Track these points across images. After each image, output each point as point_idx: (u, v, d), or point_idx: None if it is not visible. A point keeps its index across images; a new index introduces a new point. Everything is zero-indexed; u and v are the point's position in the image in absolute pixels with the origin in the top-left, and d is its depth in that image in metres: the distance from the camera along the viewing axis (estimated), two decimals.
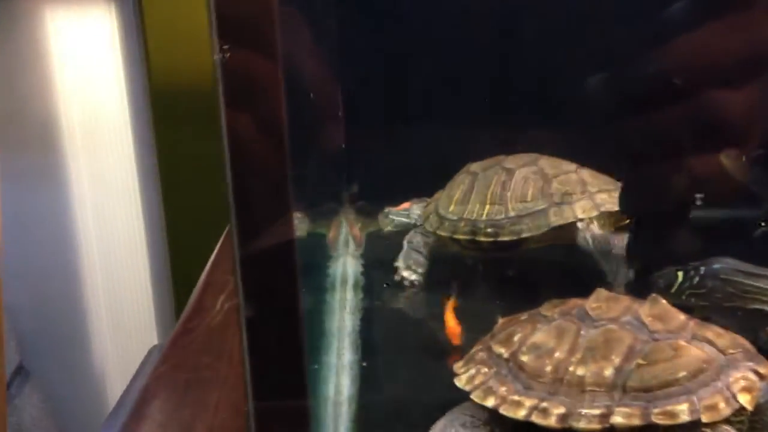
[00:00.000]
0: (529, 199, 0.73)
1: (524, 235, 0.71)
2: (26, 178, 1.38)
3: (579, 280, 0.70)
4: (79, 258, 1.41)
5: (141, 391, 0.44)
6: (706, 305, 0.55)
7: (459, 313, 0.65)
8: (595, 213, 0.70)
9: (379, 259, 0.84)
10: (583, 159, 0.77)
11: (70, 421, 1.43)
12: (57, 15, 1.34)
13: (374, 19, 0.94)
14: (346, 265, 0.84)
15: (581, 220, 0.70)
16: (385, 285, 0.78)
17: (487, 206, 0.74)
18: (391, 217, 0.84)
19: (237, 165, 0.35)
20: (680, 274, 0.59)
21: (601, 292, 0.53)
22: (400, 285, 0.78)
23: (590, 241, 0.69)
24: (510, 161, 0.76)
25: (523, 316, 0.56)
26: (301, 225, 0.44)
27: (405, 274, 0.79)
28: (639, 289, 0.61)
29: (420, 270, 0.79)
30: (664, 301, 0.50)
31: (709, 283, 0.58)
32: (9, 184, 1.32)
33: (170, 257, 1.45)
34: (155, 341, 1.44)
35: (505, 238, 0.72)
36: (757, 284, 0.57)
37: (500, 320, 0.58)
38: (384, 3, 0.94)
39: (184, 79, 1.38)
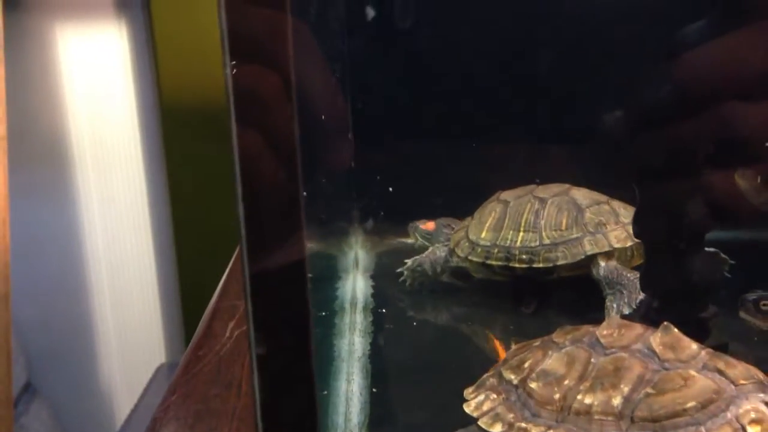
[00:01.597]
0: (563, 227, 0.73)
1: (560, 263, 0.72)
2: (35, 194, 1.38)
3: (599, 306, 0.70)
4: (87, 275, 1.41)
5: (151, 422, 0.43)
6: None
7: (478, 339, 0.65)
8: (630, 243, 0.71)
9: (389, 279, 0.84)
10: (598, 181, 0.77)
11: None
12: (67, 31, 1.34)
13: (384, 35, 0.94)
14: (356, 286, 0.83)
15: (615, 249, 0.71)
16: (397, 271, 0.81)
17: (521, 233, 0.75)
18: (416, 233, 0.85)
19: (247, 186, 0.34)
20: None
21: (614, 319, 0.52)
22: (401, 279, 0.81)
23: (601, 272, 0.70)
24: (541, 191, 0.78)
25: (536, 343, 0.55)
26: (310, 245, 0.44)
27: (406, 273, 0.82)
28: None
29: (420, 278, 0.81)
30: (676, 330, 0.49)
31: None
32: (18, 200, 1.32)
33: (179, 275, 1.45)
34: (163, 359, 1.43)
35: (540, 265, 0.73)
36: None
37: (513, 346, 0.57)
38: (394, 19, 0.94)
39: (194, 95, 1.38)
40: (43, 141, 1.37)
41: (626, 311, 0.67)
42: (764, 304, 0.59)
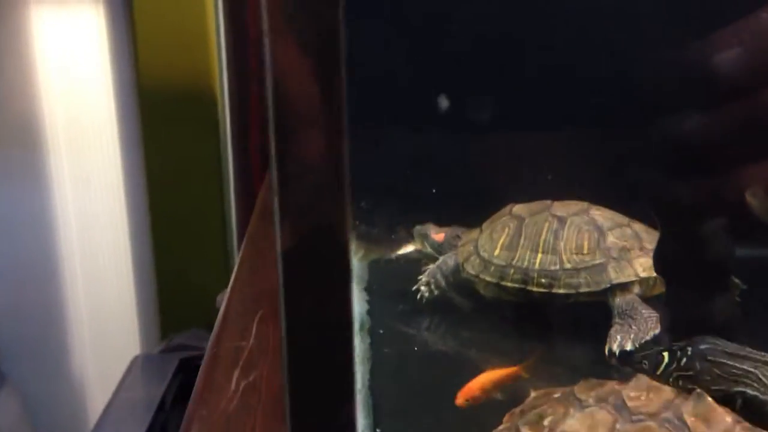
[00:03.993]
0: (585, 251, 0.70)
1: (582, 290, 0.68)
2: (4, 177, 1.33)
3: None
4: (60, 261, 1.36)
5: None
6: (694, 389, 0.52)
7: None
8: (654, 273, 0.67)
9: (386, 292, 0.80)
10: (609, 180, 0.74)
11: (49, 428, 1.39)
12: (42, 10, 1.28)
13: (381, 21, 0.90)
14: None
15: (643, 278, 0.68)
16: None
17: (540, 255, 0.71)
18: (424, 241, 0.80)
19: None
20: (666, 355, 0.56)
21: (642, 379, 0.49)
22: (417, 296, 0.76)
23: (617, 300, 0.67)
24: (559, 208, 0.73)
25: (556, 394, 0.52)
26: None
27: (423, 288, 0.77)
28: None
29: (436, 292, 0.76)
30: (710, 399, 0.46)
31: (698, 365, 0.55)
32: None
33: (156, 263, 1.40)
34: (138, 351, 1.40)
35: (561, 291, 0.69)
36: (742, 366, 0.54)
37: (532, 393, 0.54)
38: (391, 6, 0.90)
39: (173, 75, 1.33)
40: (13, 121, 1.31)
41: (628, 347, 0.64)
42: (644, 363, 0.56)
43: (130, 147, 1.36)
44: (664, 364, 0.56)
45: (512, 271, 0.71)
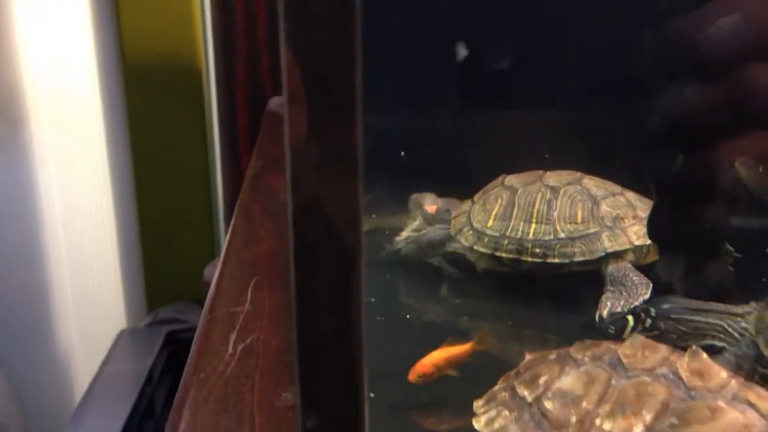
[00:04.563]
0: (579, 220, 0.70)
1: (577, 259, 0.69)
2: None
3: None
4: (44, 237, 1.35)
5: None
6: (689, 346, 0.53)
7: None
8: (649, 241, 0.68)
9: (374, 262, 0.80)
10: (604, 155, 0.74)
11: (35, 406, 1.38)
12: None
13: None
14: None
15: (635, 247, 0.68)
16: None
17: (533, 225, 0.71)
18: (418, 211, 0.79)
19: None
20: (630, 318, 0.58)
21: (637, 338, 0.50)
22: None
23: (610, 268, 0.67)
24: (551, 178, 0.73)
25: (552, 355, 0.52)
26: None
27: (404, 246, 0.78)
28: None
29: (415, 254, 0.77)
30: (704, 355, 0.47)
31: (662, 325, 0.57)
32: None
33: (141, 238, 1.40)
34: (124, 325, 1.39)
35: (555, 260, 0.69)
36: (707, 320, 0.56)
37: (527, 356, 0.54)
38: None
39: (158, 48, 1.32)
40: None
41: (618, 309, 0.65)
42: (610, 329, 0.58)
43: (115, 123, 1.35)
44: (629, 327, 0.58)
45: (506, 242, 0.71)
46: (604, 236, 0.69)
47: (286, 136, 0.28)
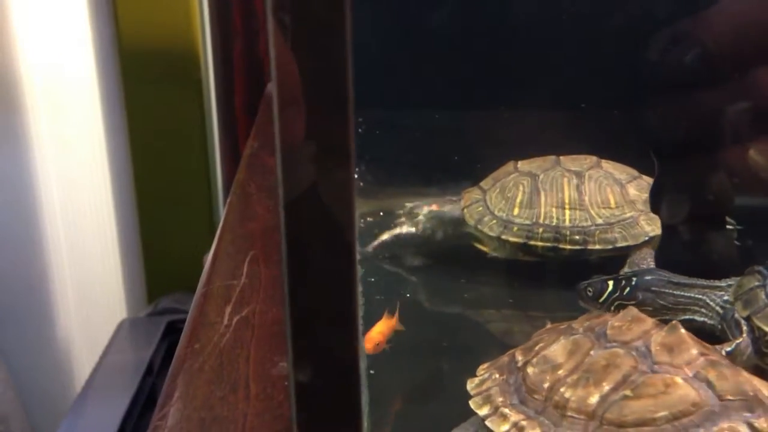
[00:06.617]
0: (612, 205, 0.68)
1: (620, 245, 0.67)
2: None
3: None
4: (43, 226, 1.34)
5: None
6: (670, 320, 0.52)
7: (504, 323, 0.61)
8: None
9: (377, 249, 0.77)
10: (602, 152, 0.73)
11: (35, 396, 1.37)
12: None
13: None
14: None
15: None
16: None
17: (568, 211, 0.69)
18: (423, 216, 0.75)
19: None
20: (611, 283, 0.58)
21: (631, 311, 0.49)
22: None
23: (632, 256, 0.65)
24: (569, 163, 0.71)
25: (563, 325, 0.52)
26: None
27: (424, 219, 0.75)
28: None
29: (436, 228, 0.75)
30: (683, 331, 0.46)
31: (640, 295, 0.57)
32: None
33: (140, 225, 1.38)
34: (124, 315, 1.38)
35: (596, 247, 0.68)
36: (689, 294, 0.57)
37: (548, 324, 0.54)
38: None
39: (155, 34, 1.31)
40: None
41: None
42: (588, 290, 0.59)
43: (112, 107, 1.33)
44: (607, 292, 0.58)
45: (541, 230, 0.69)
46: (642, 220, 0.68)
47: (277, 128, 0.27)
